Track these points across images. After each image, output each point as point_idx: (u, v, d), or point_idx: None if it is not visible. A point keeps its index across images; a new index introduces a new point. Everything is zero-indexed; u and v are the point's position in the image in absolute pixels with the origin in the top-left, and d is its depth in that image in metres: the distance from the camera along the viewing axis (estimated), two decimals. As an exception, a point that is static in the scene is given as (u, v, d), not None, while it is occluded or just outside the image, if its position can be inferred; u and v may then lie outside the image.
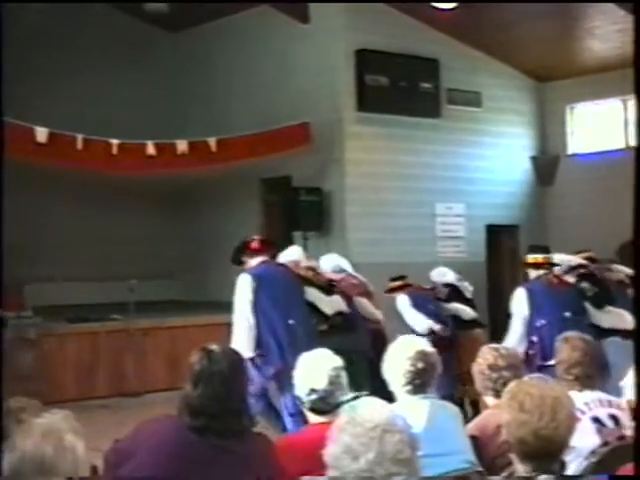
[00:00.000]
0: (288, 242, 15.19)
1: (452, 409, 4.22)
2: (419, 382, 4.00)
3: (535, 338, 7.61)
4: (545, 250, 8.60)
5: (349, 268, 9.15)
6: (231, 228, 15.80)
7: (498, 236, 16.35)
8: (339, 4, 14.45)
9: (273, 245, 8.51)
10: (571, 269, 8.54)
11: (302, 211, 14.10)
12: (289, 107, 14.56)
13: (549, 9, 13.86)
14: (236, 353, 3.51)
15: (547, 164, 16.97)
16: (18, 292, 13.07)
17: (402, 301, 9.19)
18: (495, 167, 16.28)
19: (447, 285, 9.81)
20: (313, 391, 3.72)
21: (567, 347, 4.46)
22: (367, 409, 2.45)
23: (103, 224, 15.69)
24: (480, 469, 3.90)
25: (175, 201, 16.88)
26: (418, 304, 9.32)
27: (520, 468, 2.78)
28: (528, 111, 17.05)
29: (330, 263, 9.25)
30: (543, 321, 7.76)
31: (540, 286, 8.08)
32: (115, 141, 12.81)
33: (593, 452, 3.96)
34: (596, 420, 4.10)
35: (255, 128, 14.06)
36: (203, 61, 16.75)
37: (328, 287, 8.17)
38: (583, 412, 4.10)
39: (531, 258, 8.35)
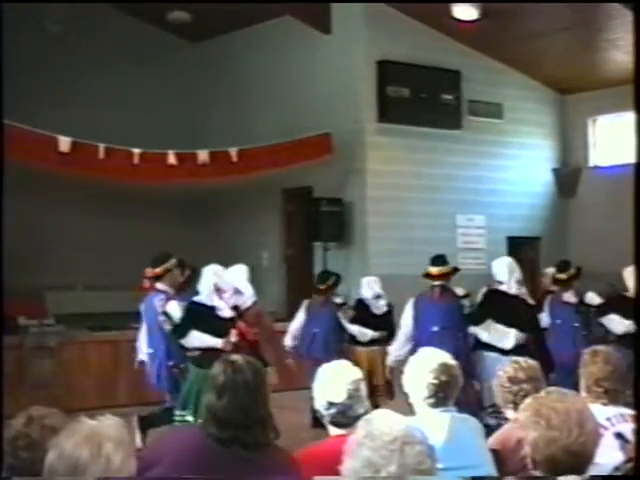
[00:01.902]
0: (309, 253, 15.24)
1: (473, 422, 4.21)
2: (442, 395, 3.99)
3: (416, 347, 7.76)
4: (443, 262, 8.88)
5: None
6: (252, 238, 15.86)
7: (519, 248, 16.25)
8: (361, 15, 14.48)
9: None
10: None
11: (323, 222, 14.11)
12: (310, 118, 14.58)
13: (571, 21, 13.83)
14: (259, 363, 3.51)
15: (569, 176, 16.90)
16: (40, 300, 13.16)
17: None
18: (516, 179, 16.23)
19: (360, 300, 10.03)
20: (332, 405, 3.69)
21: (599, 359, 4.44)
22: (383, 422, 2.44)
23: (125, 233, 15.72)
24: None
25: (196, 211, 16.89)
26: (314, 315, 9.94)
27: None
28: (550, 123, 17.00)
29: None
30: (418, 332, 8.23)
31: (424, 298, 8.31)
32: (137, 150, 12.86)
33: (617, 468, 3.93)
34: (619, 436, 4.08)
35: (276, 138, 14.09)
36: (225, 71, 16.80)
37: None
38: (606, 428, 4.08)
39: (431, 270, 8.76)
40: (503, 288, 8.17)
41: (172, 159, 13.10)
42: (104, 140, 12.71)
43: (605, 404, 4.29)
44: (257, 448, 3.26)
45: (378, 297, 9.92)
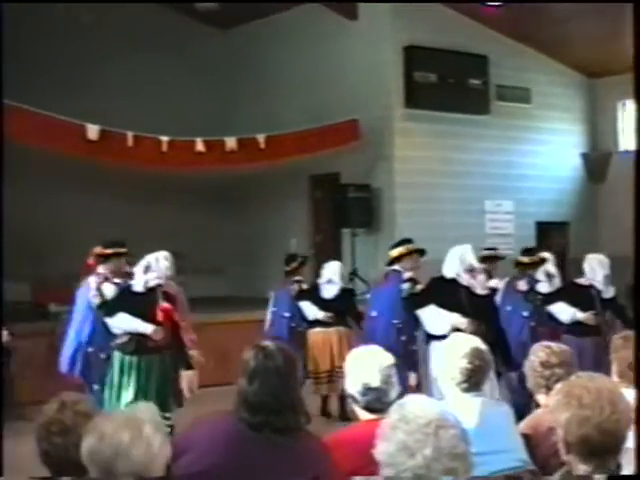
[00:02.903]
0: (337, 239, 15.25)
1: (504, 407, 4.20)
2: (475, 380, 3.98)
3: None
4: (404, 242, 8.90)
5: None
6: (280, 224, 15.89)
7: (548, 233, 16.20)
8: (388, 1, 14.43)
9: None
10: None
11: (351, 208, 14.12)
12: (338, 104, 14.57)
13: (600, 5, 13.69)
14: (290, 349, 3.52)
15: (598, 161, 16.79)
16: (70, 287, 13.24)
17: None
18: (545, 164, 16.15)
19: (315, 284, 10.13)
20: (368, 389, 3.69)
21: (630, 344, 4.41)
22: (417, 406, 2.44)
23: (152, 220, 15.79)
24: (533, 468, 3.88)
25: (224, 197, 16.96)
26: (277, 298, 10.19)
27: (581, 467, 2.73)
28: (578, 107, 16.89)
29: None
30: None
31: (376, 284, 8.38)
32: (165, 138, 12.92)
33: (651, 453, 3.91)
34: (653, 420, 4.05)
35: (304, 125, 14.09)
36: (252, 58, 16.80)
37: None
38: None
39: (394, 252, 8.73)
40: (451, 276, 7.90)
41: (200, 146, 13.15)
42: (133, 128, 12.77)
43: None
44: (288, 433, 3.27)
45: (329, 282, 9.88)
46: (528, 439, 4.04)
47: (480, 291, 7.80)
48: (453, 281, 7.73)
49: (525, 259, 9.68)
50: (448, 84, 14.76)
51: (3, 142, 9.82)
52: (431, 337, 7.79)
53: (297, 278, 10.25)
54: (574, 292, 8.65)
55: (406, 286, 8.68)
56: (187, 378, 7.71)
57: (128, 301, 7.53)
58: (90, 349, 8.10)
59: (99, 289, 8.10)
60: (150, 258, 7.68)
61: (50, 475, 3.02)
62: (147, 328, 7.37)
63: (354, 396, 3.74)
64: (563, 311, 8.56)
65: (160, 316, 7.46)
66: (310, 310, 9.79)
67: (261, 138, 13.55)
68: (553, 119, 16.39)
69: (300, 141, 13.82)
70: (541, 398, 4.36)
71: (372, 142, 14.21)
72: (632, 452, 3.79)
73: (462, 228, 14.67)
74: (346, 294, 10.04)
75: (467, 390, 3.99)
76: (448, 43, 14.67)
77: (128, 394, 7.31)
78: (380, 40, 14.60)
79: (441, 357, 4.10)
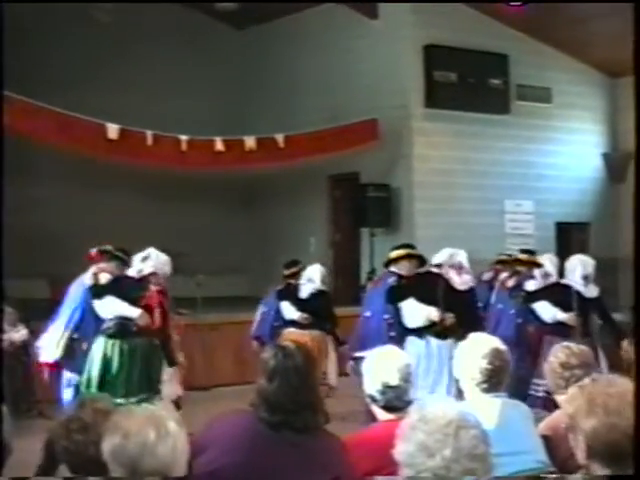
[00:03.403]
0: (355, 238, 15.24)
1: (524, 408, 4.18)
2: (495, 380, 3.96)
3: None
4: (410, 247, 9.06)
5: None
6: (299, 224, 15.90)
7: (568, 233, 16.12)
8: (408, -1, 14.41)
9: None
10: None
11: (370, 207, 14.10)
12: (357, 103, 14.55)
13: (621, 5, 13.60)
14: (307, 349, 3.53)
15: (619, 161, 16.69)
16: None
17: None
18: (565, 164, 16.07)
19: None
20: (389, 388, 3.70)
21: None
22: (437, 406, 2.43)
23: (169, 219, 15.83)
24: (552, 469, 3.85)
25: (243, 197, 16.99)
26: (268, 299, 10.32)
27: (602, 472, 2.70)
28: (599, 107, 16.79)
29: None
30: None
31: (372, 286, 8.44)
32: (184, 137, 12.94)
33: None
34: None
35: (323, 124, 14.09)
36: (271, 58, 16.81)
37: None
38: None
39: (392, 254, 8.83)
40: (436, 262, 8.23)
41: (219, 146, 13.16)
42: (152, 127, 12.81)
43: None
44: (307, 432, 3.28)
45: (309, 281, 9.89)
46: (547, 440, 4.02)
47: (459, 286, 8.16)
48: (435, 275, 8.15)
49: (523, 256, 9.68)
50: (468, 83, 14.71)
51: (3, 142, 9.86)
52: (408, 331, 8.08)
53: (292, 282, 10.17)
54: (557, 292, 8.60)
55: (391, 280, 8.77)
56: (168, 374, 7.83)
57: (120, 285, 7.72)
58: (75, 335, 8.14)
59: (95, 275, 8.18)
60: (151, 250, 7.87)
61: (72, 475, 3.04)
62: (133, 312, 7.57)
63: (373, 396, 3.74)
64: (545, 310, 8.57)
65: (150, 301, 7.64)
66: (287, 310, 9.78)
67: (280, 138, 13.56)
68: (574, 119, 16.31)
69: (319, 141, 13.81)
70: (561, 398, 4.34)
71: (391, 142, 14.18)
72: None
73: (481, 228, 14.64)
74: (323, 296, 9.97)
75: (487, 390, 3.97)
76: (468, 42, 14.62)
77: (111, 376, 7.47)
78: (400, 39, 14.57)
79: (461, 357, 4.08)
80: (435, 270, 8.49)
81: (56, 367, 8.23)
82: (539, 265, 9.10)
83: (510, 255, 10.78)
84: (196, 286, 12.15)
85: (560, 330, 8.25)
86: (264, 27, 16.88)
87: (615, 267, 14.78)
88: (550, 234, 15.75)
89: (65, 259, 14.23)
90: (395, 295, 8.37)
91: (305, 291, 9.82)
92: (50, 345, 8.22)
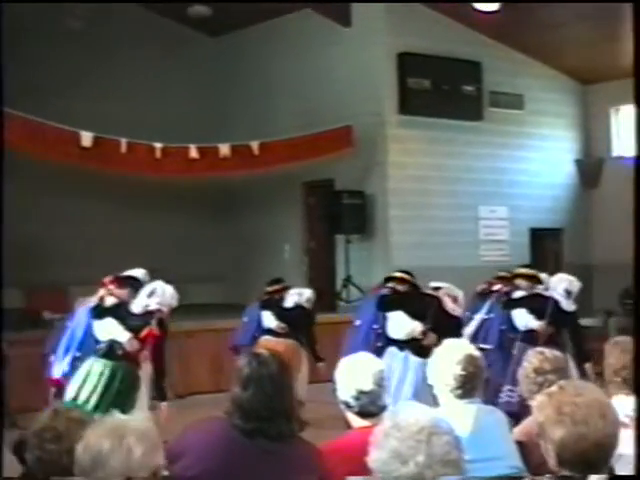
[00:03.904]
0: (330, 245, 15.25)
1: (498, 414, 4.20)
2: (469, 386, 3.98)
3: None
4: (410, 274, 8.96)
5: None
6: (274, 231, 15.90)
7: (542, 239, 16.23)
8: (381, 7, 14.45)
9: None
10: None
11: (344, 214, 14.12)
12: (331, 110, 14.58)
13: (593, 11, 13.74)
14: (282, 357, 3.53)
15: (591, 167, 16.82)
16: (63, 294, 13.22)
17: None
18: (539, 170, 16.17)
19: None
20: (362, 393, 3.71)
21: (617, 350, 4.42)
22: (409, 413, 2.44)
23: (148, 227, 15.79)
24: (526, 475, 3.87)
25: (217, 204, 16.96)
26: (250, 309, 10.35)
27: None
28: (572, 113, 16.92)
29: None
30: None
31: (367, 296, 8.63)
32: (158, 145, 12.92)
33: (642, 458, 3.91)
34: (644, 426, 4.05)
35: (297, 131, 14.11)
36: (245, 65, 16.81)
37: None
38: (631, 418, 4.05)
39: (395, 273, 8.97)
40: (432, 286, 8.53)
41: (194, 153, 13.15)
42: (126, 135, 12.78)
43: (627, 394, 4.26)
44: (281, 439, 3.28)
45: (297, 293, 10.09)
46: (522, 446, 4.04)
47: (450, 310, 8.29)
48: (429, 295, 8.32)
49: (524, 270, 9.69)
50: (442, 90, 14.77)
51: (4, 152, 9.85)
52: (390, 342, 8.19)
53: (278, 295, 10.22)
54: (535, 301, 8.69)
55: (385, 290, 8.90)
56: (162, 410, 7.92)
57: (122, 310, 7.76)
58: (77, 354, 8.21)
59: (102, 297, 8.25)
60: (157, 285, 7.92)
61: None
62: (123, 336, 7.63)
63: (348, 402, 3.75)
64: (519, 317, 8.69)
65: (147, 335, 7.68)
66: (267, 319, 9.90)
67: (255, 145, 13.56)
68: (546, 125, 16.42)
69: (294, 148, 13.83)
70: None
71: (365, 149, 14.22)
72: (626, 458, 3.80)
73: (456, 234, 14.71)
74: (304, 311, 10.06)
75: (461, 396, 3.99)
76: (442, 50, 14.70)
77: (85, 395, 7.46)
78: (373, 46, 14.61)
79: (435, 363, 4.10)
80: (431, 292, 8.64)
81: (60, 384, 8.27)
82: (539, 280, 9.12)
83: (509, 271, 10.77)
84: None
85: (533, 338, 8.34)
86: (238, 34, 16.87)
87: (589, 273, 14.88)
88: (524, 240, 15.85)
89: (40, 268, 14.21)
90: (385, 304, 8.47)
91: (290, 301, 9.96)
92: (57, 362, 8.34)
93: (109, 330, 7.74)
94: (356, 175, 14.48)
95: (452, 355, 4.03)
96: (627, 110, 16.67)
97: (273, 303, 10.02)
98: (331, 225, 14.58)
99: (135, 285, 8.24)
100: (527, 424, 4.28)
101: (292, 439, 3.33)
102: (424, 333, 8.05)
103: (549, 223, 16.29)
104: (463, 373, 3.96)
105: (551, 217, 16.31)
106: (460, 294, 8.62)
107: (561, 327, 8.59)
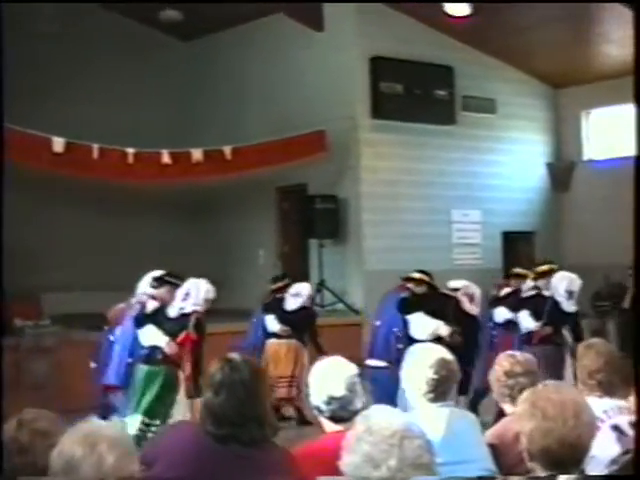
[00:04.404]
0: (304, 250, 15.25)
1: (470, 417, 4.21)
2: (441, 390, 3.99)
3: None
4: (427, 274, 9.11)
5: None
6: (247, 236, 15.88)
7: (514, 243, 16.31)
8: (353, 12, 14.48)
9: None
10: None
11: (318, 219, 14.13)
12: (304, 115, 14.58)
13: (563, 15, 13.84)
14: (255, 362, 3.52)
15: (563, 170, 16.93)
16: (35, 301, 13.14)
17: None
18: (511, 174, 16.26)
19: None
20: (332, 399, 3.71)
21: (591, 353, 4.45)
22: (381, 417, 2.44)
23: (120, 233, 15.72)
24: (498, 477, 3.89)
25: (192, 209, 16.90)
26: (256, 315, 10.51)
27: (542, 475, 2.76)
28: (543, 117, 17.03)
29: None
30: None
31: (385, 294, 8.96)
32: (131, 150, 12.87)
33: (614, 461, 3.94)
34: (616, 428, 4.08)
35: (270, 136, 14.09)
36: (217, 70, 16.79)
37: None
38: (603, 420, 4.08)
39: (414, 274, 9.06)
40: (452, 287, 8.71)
41: (166, 158, 13.11)
42: (98, 140, 12.71)
43: (600, 396, 4.29)
44: (254, 445, 3.27)
45: (296, 295, 10.25)
46: (494, 448, 4.05)
47: (468, 310, 8.49)
48: (447, 295, 8.50)
49: (544, 267, 9.75)
50: (414, 95, 14.83)
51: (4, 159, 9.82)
52: (413, 342, 8.07)
53: (278, 295, 10.38)
54: (536, 302, 8.82)
55: (404, 294, 9.00)
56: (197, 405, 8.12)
57: (161, 316, 8.01)
58: (129, 360, 8.42)
59: (143, 304, 8.44)
60: (190, 285, 8.15)
61: None
62: (162, 341, 7.87)
63: (319, 407, 3.74)
64: (499, 314, 9.08)
65: (183, 340, 7.97)
66: (271, 323, 10.11)
67: (227, 150, 13.54)
68: (518, 129, 16.52)
69: (267, 152, 13.81)
70: (506, 407, 4.38)
71: (338, 153, 14.24)
72: (597, 460, 3.83)
73: (429, 238, 14.76)
74: (306, 311, 10.34)
75: (434, 400, 4.00)
76: (414, 54, 14.75)
77: (135, 401, 7.83)
78: (346, 51, 14.64)
79: (408, 367, 4.10)
80: (448, 291, 8.83)
81: (116, 390, 8.47)
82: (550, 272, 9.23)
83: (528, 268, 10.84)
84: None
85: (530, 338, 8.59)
86: (210, 38, 16.85)
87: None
88: (497, 243, 15.93)
89: (10, 275, 14.07)
90: (406, 307, 8.55)
91: (291, 304, 10.14)
92: (112, 369, 8.49)
93: (150, 336, 7.96)
94: (329, 179, 14.49)
95: (425, 359, 4.04)
96: (598, 113, 16.81)
97: (275, 306, 10.21)
98: (304, 229, 14.58)
99: (172, 282, 8.43)
100: (499, 427, 4.30)
101: (265, 444, 3.32)
102: (451, 335, 8.16)
103: (521, 226, 16.39)
104: (435, 377, 3.98)
105: (523, 220, 16.40)
106: (477, 292, 8.78)
107: (562, 326, 8.75)
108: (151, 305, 8.36)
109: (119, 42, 16.36)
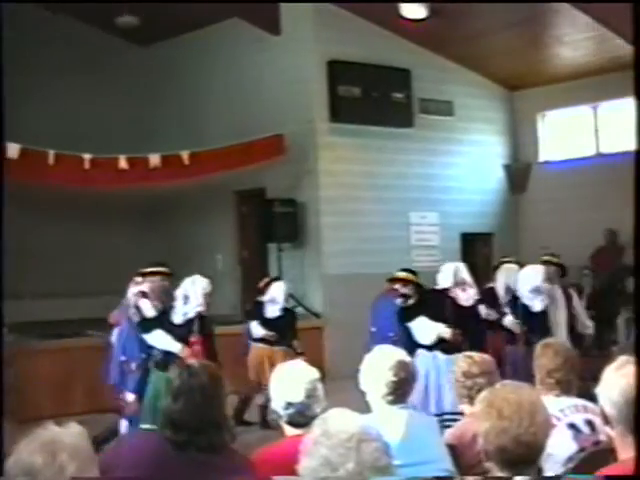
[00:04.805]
0: (263, 254, 15.23)
1: (429, 419, 4.24)
2: (400, 392, 4.01)
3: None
4: (413, 272, 9.38)
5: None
6: (207, 241, 15.82)
7: (473, 244, 16.40)
8: (310, 16, 14.50)
9: None
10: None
11: (276, 223, 14.10)
12: (262, 119, 14.56)
13: (519, 18, 13.95)
14: (214, 367, 3.50)
15: (519, 172, 17.06)
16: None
17: None
18: (468, 175, 16.35)
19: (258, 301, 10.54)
20: (290, 404, 3.70)
21: (550, 352, 4.50)
22: (339, 420, 2.44)
23: (76, 239, 15.58)
24: (457, 477, 3.91)
25: (150, 215, 16.80)
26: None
27: (499, 474, 2.78)
28: (500, 119, 17.15)
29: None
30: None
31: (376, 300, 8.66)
32: (87, 156, 12.76)
33: (570, 458, 3.98)
34: (572, 426, 4.13)
35: (228, 140, 14.04)
36: (175, 75, 16.72)
37: None
38: (559, 419, 4.13)
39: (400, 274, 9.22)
40: (443, 286, 8.49)
41: (123, 163, 13.01)
42: (53, 146, 12.59)
43: (558, 395, 4.34)
44: (212, 451, 3.26)
45: (272, 301, 10.25)
46: (453, 449, 4.08)
47: (464, 302, 8.40)
48: (440, 292, 8.42)
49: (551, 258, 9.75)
50: (372, 98, 14.85)
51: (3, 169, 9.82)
52: (416, 346, 8.28)
53: (259, 300, 10.42)
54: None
55: (399, 301, 9.12)
56: None
57: (167, 327, 8.01)
58: (123, 358, 8.49)
59: (137, 307, 8.53)
60: (187, 286, 8.10)
61: None
62: (176, 347, 7.90)
63: (277, 411, 3.74)
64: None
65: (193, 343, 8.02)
66: (255, 329, 10.14)
67: (185, 155, 13.47)
68: (475, 131, 16.61)
69: (224, 157, 13.77)
70: (465, 408, 4.41)
71: (297, 157, 14.23)
72: (554, 458, 3.86)
73: (388, 241, 14.79)
74: (288, 314, 10.39)
75: (393, 402, 4.01)
76: (371, 57, 14.78)
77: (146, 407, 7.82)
78: (303, 55, 14.64)
79: (367, 370, 4.11)
80: (440, 288, 8.71)
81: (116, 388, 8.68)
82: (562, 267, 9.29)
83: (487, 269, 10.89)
84: (104, 307, 11.96)
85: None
86: (167, 43, 16.77)
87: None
88: (455, 245, 16.00)
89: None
90: (406, 316, 8.58)
91: (270, 312, 10.15)
92: (113, 369, 8.65)
93: (162, 341, 7.99)
94: (288, 183, 14.48)
95: (383, 362, 4.06)
96: (553, 115, 16.98)
97: (256, 312, 10.26)
98: (263, 234, 14.55)
99: (158, 271, 8.67)
100: (458, 427, 4.33)
101: (224, 450, 3.31)
102: (456, 336, 8.16)
103: (479, 228, 16.48)
104: (395, 379, 3.99)
105: (481, 222, 16.50)
106: (464, 274, 8.61)
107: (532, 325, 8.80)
108: (145, 305, 8.45)
109: (76, 47, 16.22)
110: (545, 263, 9.29)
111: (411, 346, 8.35)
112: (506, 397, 2.79)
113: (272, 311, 10.18)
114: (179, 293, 8.07)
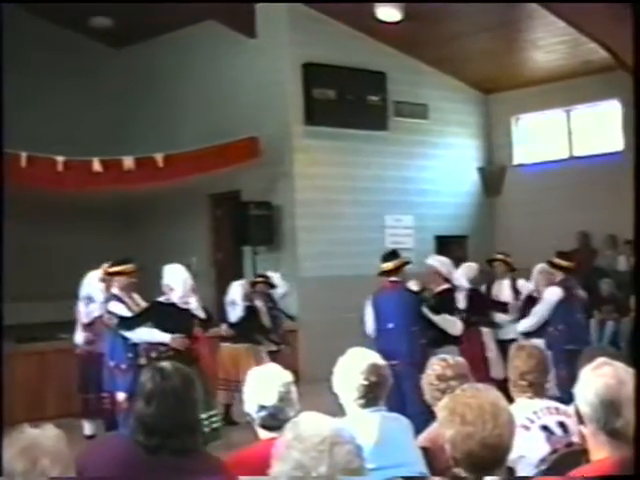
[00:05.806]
0: (238, 257, 15.19)
1: (403, 421, 4.23)
2: (372, 395, 4.00)
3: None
4: (396, 256, 9.37)
5: None
6: (180, 244, 15.73)
7: (447, 247, 16.40)
8: (285, 18, 14.49)
9: None
10: None
11: (251, 226, 14.07)
12: (237, 121, 14.53)
13: (493, 22, 14.02)
14: (186, 369, 3.48)
15: (494, 175, 17.14)
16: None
17: None
18: (443, 178, 16.39)
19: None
20: (262, 408, 3.69)
21: (523, 354, 4.52)
22: (311, 423, 2.44)
23: (48, 241, 15.46)
24: (429, 479, 3.92)
25: (124, 217, 16.72)
26: None
27: (469, 477, 2.79)
28: (474, 122, 17.21)
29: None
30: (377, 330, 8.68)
31: (380, 295, 8.75)
32: (60, 158, 12.69)
33: (542, 460, 4.00)
34: (545, 428, 4.15)
35: (202, 143, 14.01)
36: (149, 77, 16.64)
37: None
38: (532, 421, 4.15)
39: (384, 266, 9.18)
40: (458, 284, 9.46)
41: (97, 166, 12.95)
42: (26, 148, 12.50)
43: (531, 397, 4.36)
44: (186, 454, 3.23)
45: (232, 304, 10.40)
46: (426, 452, 4.08)
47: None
48: (451, 290, 9.10)
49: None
50: (347, 101, 14.86)
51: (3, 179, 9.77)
52: (434, 338, 8.52)
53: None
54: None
55: (425, 295, 9.22)
56: None
57: (159, 314, 8.13)
58: (112, 363, 8.48)
59: (109, 312, 8.57)
60: (172, 282, 8.52)
61: None
62: (165, 337, 7.93)
63: (250, 414, 3.73)
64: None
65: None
66: (223, 329, 10.38)
67: (159, 157, 13.42)
68: (450, 134, 16.66)
69: (199, 160, 13.73)
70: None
71: (272, 159, 14.21)
72: (527, 460, 3.88)
73: (363, 243, 14.78)
74: (250, 313, 10.38)
75: (365, 406, 4.00)
76: (346, 60, 14.79)
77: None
78: (278, 57, 14.63)
79: (339, 373, 4.10)
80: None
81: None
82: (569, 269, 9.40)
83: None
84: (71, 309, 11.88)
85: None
86: (142, 46, 16.68)
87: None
88: (429, 248, 15.99)
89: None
90: (438, 308, 8.80)
91: (233, 315, 10.27)
92: (105, 376, 8.68)
93: (147, 336, 8.07)
94: (263, 186, 14.46)
95: (355, 365, 4.05)
96: (527, 119, 17.07)
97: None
98: (238, 237, 14.51)
99: (123, 270, 8.97)
100: (432, 430, 4.33)
101: (196, 453, 3.29)
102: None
103: (454, 230, 16.53)
104: (366, 383, 3.98)
105: (456, 224, 16.55)
106: (447, 263, 9.61)
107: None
108: (117, 307, 8.49)
109: (50, 49, 16.10)
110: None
111: (437, 338, 8.57)
112: (467, 402, 2.79)
113: (233, 314, 10.27)
114: (165, 282, 8.42)
